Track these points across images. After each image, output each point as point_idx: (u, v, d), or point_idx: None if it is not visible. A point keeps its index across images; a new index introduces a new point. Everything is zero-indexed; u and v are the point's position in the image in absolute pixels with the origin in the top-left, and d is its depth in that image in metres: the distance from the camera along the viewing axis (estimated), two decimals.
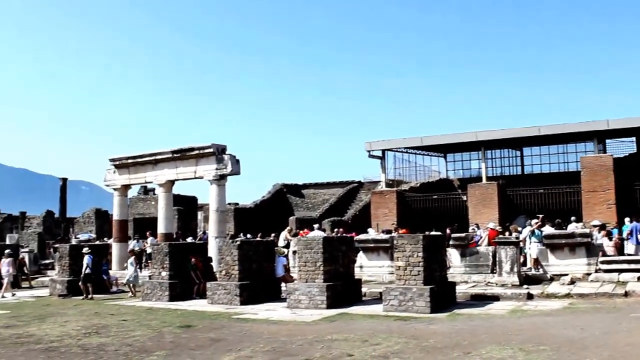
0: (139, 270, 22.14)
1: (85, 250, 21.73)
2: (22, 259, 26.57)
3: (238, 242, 17.78)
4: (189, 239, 28.68)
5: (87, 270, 20.86)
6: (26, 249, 29.97)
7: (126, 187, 28.96)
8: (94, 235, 33.87)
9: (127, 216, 30.17)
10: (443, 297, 14.96)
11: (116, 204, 28.49)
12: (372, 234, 24.63)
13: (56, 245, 26.36)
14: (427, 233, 17.47)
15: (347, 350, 9.88)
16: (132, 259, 21.64)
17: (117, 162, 28.11)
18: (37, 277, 27.46)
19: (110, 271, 24.04)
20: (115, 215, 28.38)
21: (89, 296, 20.37)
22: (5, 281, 22.33)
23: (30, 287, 25.42)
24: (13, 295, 21.87)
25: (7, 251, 22.94)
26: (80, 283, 20.83)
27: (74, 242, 29.08)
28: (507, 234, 20.44)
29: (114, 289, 22.81)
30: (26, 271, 26.47)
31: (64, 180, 55.92)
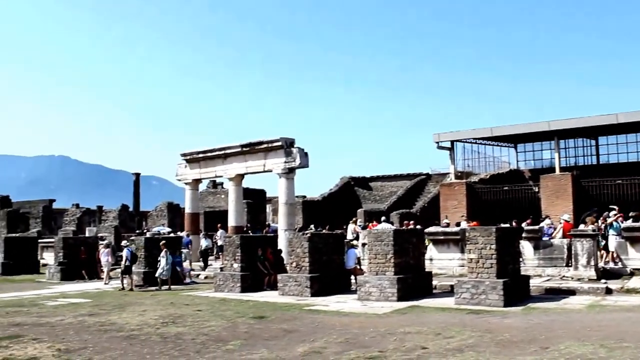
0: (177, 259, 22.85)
1: (124, 243, 22.79)
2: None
3: (308, 235, 17.95)
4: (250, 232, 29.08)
5: (126, 264, 21.63)
6: (104, 241, 31.08)
7: (197, 181, 29.66)
8: (169, 229, 34.71)
9: (199, 209, 30.85)
10: (516, 291, 14.69)
11: (188, 198, 29.19)
12: (448, 226, 24.35)
13: (132, 238, 27.24)
14: (499, 225, 17.16)
15: (421, 342, 9.84)
16: (163, 252, 21.92)
17: (188, 157, 28.78)
18: (115, 268, 28.40)
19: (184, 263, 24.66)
20: (187, 208, 29.10)
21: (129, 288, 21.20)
22: (105, 270, 24.02)
23: (110, 278, 26.32)
24: (106, 284, 22.88)
25: (105, 242, 23.96)
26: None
27: (148, 235, 29.94)
28: (583, 226, 19.81)
29: (188, 280, 23.39)
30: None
31: (137, 175, 57.71)
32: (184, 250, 26.90)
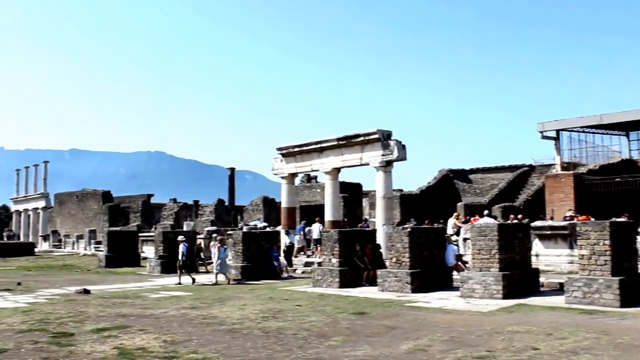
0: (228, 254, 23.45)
1: (180, 238, 23.68)
2: (199, 245, 28.53)
3: (408, 229, 17.83)
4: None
5: (182, 258, 22.59)
6: (201, 235, 32.12)
7: (293, 175, 30.10)
8: (265, 223, 35.53)
9: (295, 204, 31.28)
10: (634, 290, 14.00)
11: (284, 192, 29.66)
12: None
13: (230, 232, 28.00)
14: (613, 219, 16.41)
15: (531, 343, 9.58)
16: (216, 247, 22.33)
17: (284, 151, 29.22)
18: (212, 262, 29.29)
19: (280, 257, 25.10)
20: (284, 203, 29.57)
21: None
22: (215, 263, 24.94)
23: (207, 272, 27.19)
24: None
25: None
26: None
27: (245, 229, 30.68)
28: None
29: (285, 274, 23.80)
30: (202, 256, 28.38)
31: (232, 170, 59.26)
32: (296, 237, 27.49)
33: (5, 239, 60.79)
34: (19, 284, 21.91)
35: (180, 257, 22.70)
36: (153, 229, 36.62)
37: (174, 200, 57.99)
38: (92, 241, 47.01)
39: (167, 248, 27.29)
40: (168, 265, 26.15)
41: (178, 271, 22.70)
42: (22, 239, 61.56)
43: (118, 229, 40.58)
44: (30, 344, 10.19)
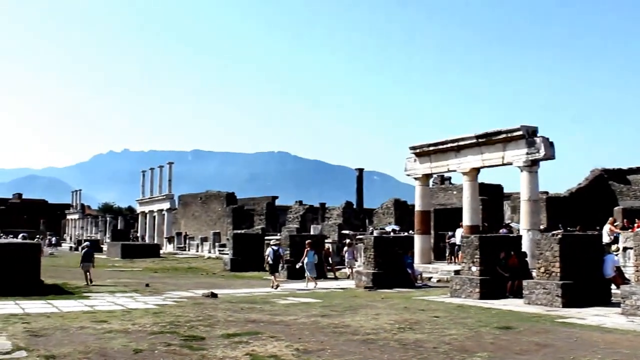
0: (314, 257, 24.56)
1: (272, 242, 24.96)
2: (328, 250, 28.96)
3: (559, 236, 17.15)
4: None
5: (270, 262, 24.00)
6: (329, 240, 32.55)
7: (427, 176, 29.82)
8: (397, 227, 35.45)
9: (430, 207, 30.95)
10: None
11: (418, 194, 29.43)
12: None
13: (360, 237, 28.19)
14: None
15: None
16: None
17: (418, 150, 28.99)
18: (340, 268, 29.68)
19: (415, 265, 24.95)
20: (417, 205, 29.34)
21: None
22: (349, 269, 27.00)
23: (335, 278, 27.58)
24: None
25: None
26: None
27: (375, 233, 30.76)
28: None
29: (419, 283, 23.63)
30: (330, 261, 28.79)
31: (360, 171, 59.67)
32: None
33: (133, 240, 64.48)
34: (147, 285, 23.24)
35: (266, 261, 23.96)
36: (279, 234, 37.50)
37: (300, 203, 59.10)
38: (217, 244, 48.99)
39: (293, 252, 27.87)
40: (295, 270, 26.69)
41: (272, 276, 24.05)
42: (147, 241, 64.98)
43: (242, 231, 41.89)
44: (163, 346, 10.74)
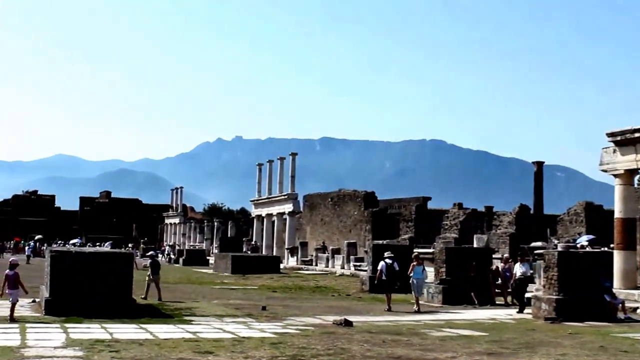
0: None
1: (387, 254, 24.94)
2: (495, 268, 28.41)
3: None
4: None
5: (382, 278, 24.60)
6: (498, 255, 31.99)
7: (632, 173, 28.62)
8: (592, 236, 34.24)
9: (636, 213, 29.71)
10: None
11: (618, 196, 28.30)
12: None
13: (540, 251, 27.51)
14: None
15: None
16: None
17: (619, 138, 27.86)
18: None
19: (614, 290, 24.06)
20: (617, 211, 28.20)
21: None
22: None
23: (506, 305, 27.02)
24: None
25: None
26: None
27: (560, 247, 29.89)
28: None
29: (620, 315, 22.75)
30: (499, 283, 28.24)
31: (540, 165, 57.86)
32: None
33: (247, 251, 65.01)
34: (263, 308, 23.72)
35: (378, 276, 24.92)
36: (432, 245, 37.34)
37: (459, 206, 58.49)
38: (352, 257, 49.13)
39: (451, 270, 27.57)
40: (453, 292, 26.40)
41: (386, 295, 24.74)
42: (264, 252, 65.41)
43: (385, 242, 41.93)
44: None
